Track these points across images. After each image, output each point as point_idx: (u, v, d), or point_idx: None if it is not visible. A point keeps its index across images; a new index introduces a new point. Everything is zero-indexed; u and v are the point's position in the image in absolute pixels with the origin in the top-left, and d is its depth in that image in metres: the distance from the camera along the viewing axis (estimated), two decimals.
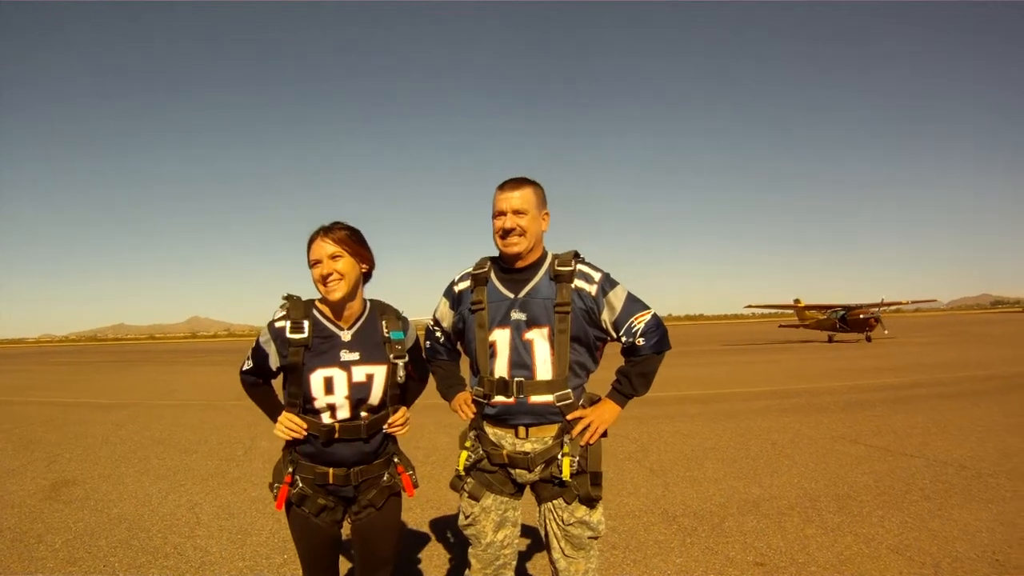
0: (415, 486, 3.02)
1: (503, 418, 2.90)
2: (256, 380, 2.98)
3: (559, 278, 2.87)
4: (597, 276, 2.91)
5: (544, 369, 2.84)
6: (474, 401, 3.02)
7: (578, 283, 2.87)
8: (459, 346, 3.26)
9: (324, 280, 2.76)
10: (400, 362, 2.91)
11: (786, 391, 14.89)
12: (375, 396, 2.84)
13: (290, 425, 2.79)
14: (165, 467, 8.31)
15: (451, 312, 3.14)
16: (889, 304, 45.04)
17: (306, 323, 2.80)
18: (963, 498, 6.00)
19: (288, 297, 2.90)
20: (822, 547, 4.88)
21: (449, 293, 3.15)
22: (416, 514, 5.92)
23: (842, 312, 43.06)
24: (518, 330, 2.85)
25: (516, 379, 2.84)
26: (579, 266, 2.92)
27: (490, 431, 2.97)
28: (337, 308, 2.85)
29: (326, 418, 2.79)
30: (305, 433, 2.80)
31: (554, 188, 3.06)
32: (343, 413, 2.80)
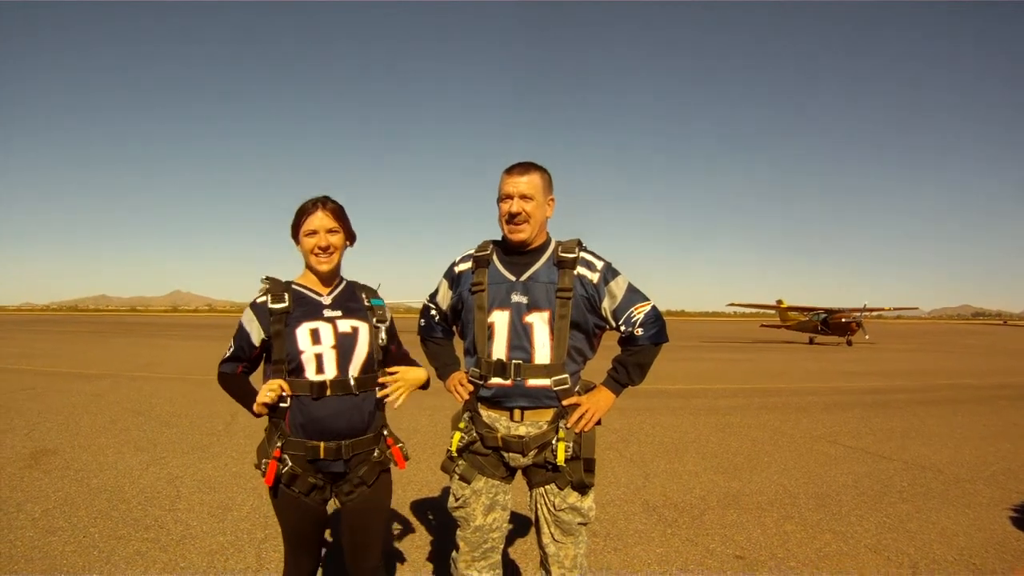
0: (406, 459, 2.98)
1: (499, 400, 2.90)
2: (235, 369, 2.96)
3: (562, 264, 2.88)
4: (600, 264, 2.91)
5: (543, 353, 2.84)
6: (470, 382, 3.01)
7: (581, 270, 2.88)
8: (455, 328, 3.26)
9: (319, 251, 2.85)
10: (383, 326, 2.96)
11: (766, 390, 15.01)
12: (361, 349, 2.84)
13: (271, 386, 2.74)
14: (145, 439, 8.27)
15: (450, 292, 3.15)
16: (871, 310, 45.34)
17: (286, 294, 2.85)
18: (940, 502, 6.07)
19: (267, 279, 2.94)
20: (801, 543, 4.94)
21: (449, 274, 3.14)
22: (399, 495, 5.90)
23: (824, 315, 43.28)
24: (518, 313, 2.85)
25: (514, 361, 2.84)
26: (582, 253, 2.93)
27: (485, 413, 2.97)
28: (323, 279, 2.92)
29: (313, 374, 2.77)
30: (285, 392, 2.76)
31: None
32: (331, 368, 2.77)
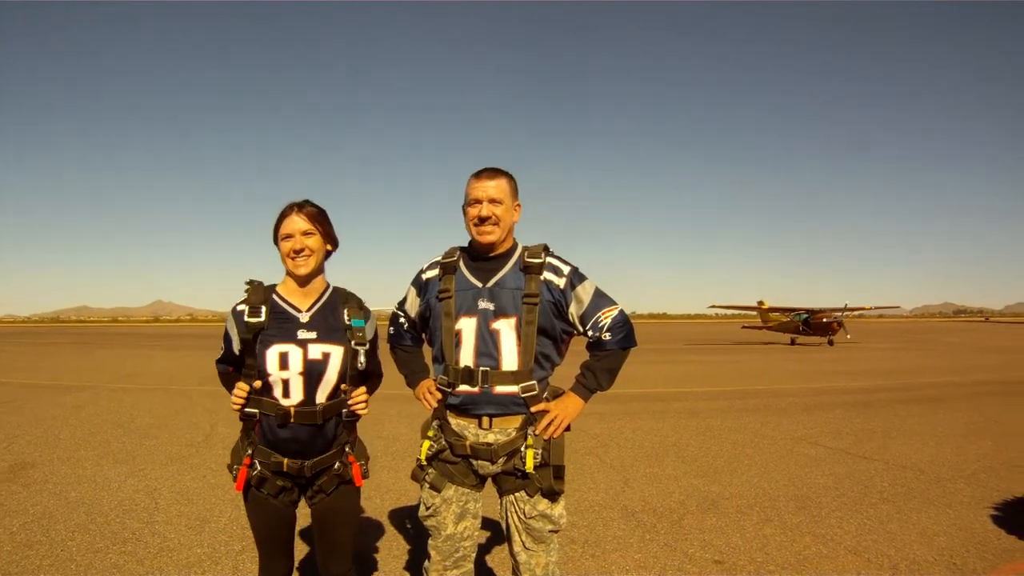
0: (364, 476, 2.98)
1: (467, 408, 2.89)
2: (227, 368, 3.00)
3: (528, 269, 2.88)
4: (566, 269, 2.92)
5: (510, 359, 2.83)
6: (438, 389, 3.00)
7: (547, 275, 2.88)
8: (423, 335, 3.25)
9: (294, 255, 2.81)
10: (361, 349, 2.90)
11: (747, 392, 15.06)
12: (331, 375, 2.81)
13: (238, 391, 2.77)
14: (124, 451, 8.20)
15: (418, 300, 3.14)
16: (853, 309, 45.66)
17: (263, 307, 2.82)
18: (921, 502, 6.10)
19: (250, 283, 2.91)
20: (781, 547, 4.95)
21: (417, 281, 3.14)
22: (375, 503, 5.91)
23: (805, 315, 43.59)
24: (485, 319, 2.85)
25: (481, 368, 2.83)
26: (548, 259, 2.93)
27: (453, 421, 2.96)
28: (301, 284, 2.89)
29: (281, 398, 2.77)
30: (246, 397, 2.78)
31: (523, 184, 3.07)
32: (297, 394, 2.77)
